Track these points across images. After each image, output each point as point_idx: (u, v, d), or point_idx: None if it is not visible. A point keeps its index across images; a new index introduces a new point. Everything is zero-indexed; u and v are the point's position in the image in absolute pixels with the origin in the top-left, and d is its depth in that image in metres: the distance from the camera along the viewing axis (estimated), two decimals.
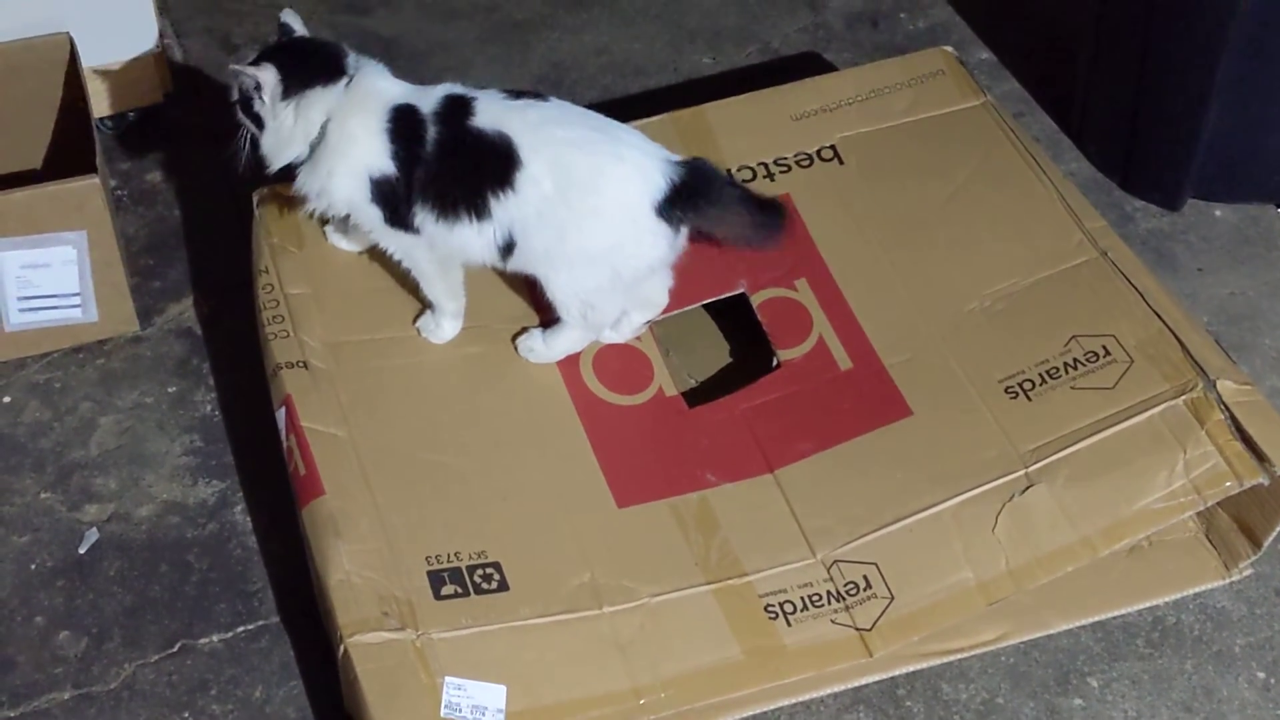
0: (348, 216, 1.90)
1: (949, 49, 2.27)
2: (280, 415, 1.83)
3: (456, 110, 1.82)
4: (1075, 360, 1.85)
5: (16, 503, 1.93)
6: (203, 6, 2.76)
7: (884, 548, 1.71)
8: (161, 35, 2.38)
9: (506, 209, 1.80)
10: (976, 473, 1.75)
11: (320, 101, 1.84)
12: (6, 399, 2.05)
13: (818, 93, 2.21)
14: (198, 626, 1.81)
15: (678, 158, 1.82)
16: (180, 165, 2.40)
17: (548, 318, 1.91)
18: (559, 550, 1.72)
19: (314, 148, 1.85)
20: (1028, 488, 1.73)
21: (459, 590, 1.67)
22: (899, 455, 1.79)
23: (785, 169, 2.10)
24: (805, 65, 2.60)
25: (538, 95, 1.86)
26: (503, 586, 1.68)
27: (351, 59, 1.88)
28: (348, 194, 1.86)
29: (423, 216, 1.84)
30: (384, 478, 1.76)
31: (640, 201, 1.78)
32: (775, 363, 1.91)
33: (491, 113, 1.81)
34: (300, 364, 1.85)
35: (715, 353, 2.04)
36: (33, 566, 1.86)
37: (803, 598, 1.68)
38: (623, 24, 2.74)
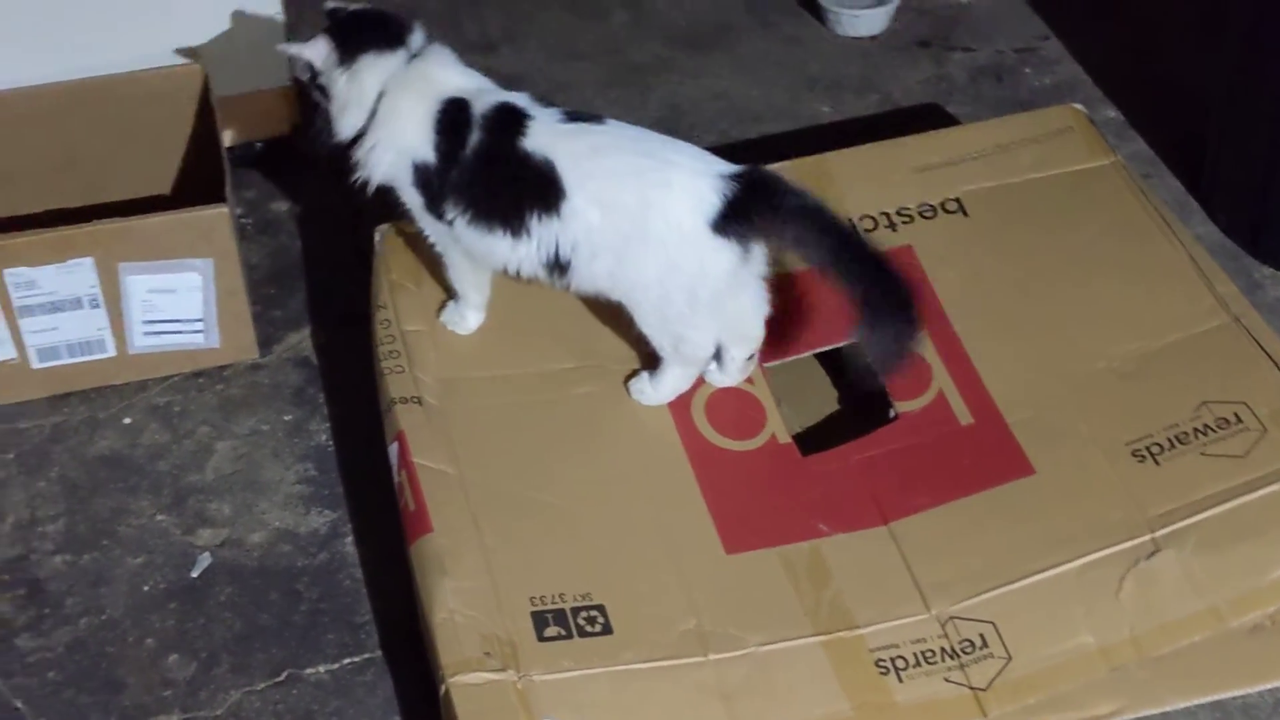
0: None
1: (1078, 106, 2.24)
2: (393, 450, 1.84)
3: (508, 123, 1.82)
4: (1205, 426, 1.81)
5: (133, 524, 1.95)
6: None
7: (1002, 606, 1.67)
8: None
9: (550, 230, 1.80)
10: (1101, 535, 1.71)
11: (373, 69, 1.85)
12: (127, 420, 2.08)
13: (942, 145, 2.19)
14: (305, 656, 1.81)
15: (735, 169, 1.79)
16: (304, 196, 2.43)
17: (644, 352, 1.90)
18: (665, 595, 1.70)
19: (369, 118, 1.87)
20: (1154, 553, 1.69)
21: (562, 632, 1.66)
22: (1020, 513, 1.76)
23: (908, 219, 2.08)
24: (926, 117, 2.58)
25: (595, 118, 1.86)
26: (606, 630, 1.66)
27: (417, 35, 1.89)
28: (389, 170, 1.88)
29: (454, 214, 1.85)
30: (492, 516, 1.76)
31: (694, 222, 1.76)
32: (892, 414, 1.89)
33: (542, 137, 1.81)
34: (414, 400, 1.86)
35: (826, 402, 2.02)
36: (146, 588, 1.88)
37: (916, 653, 1.65)
38: (742, 70, 2.74)
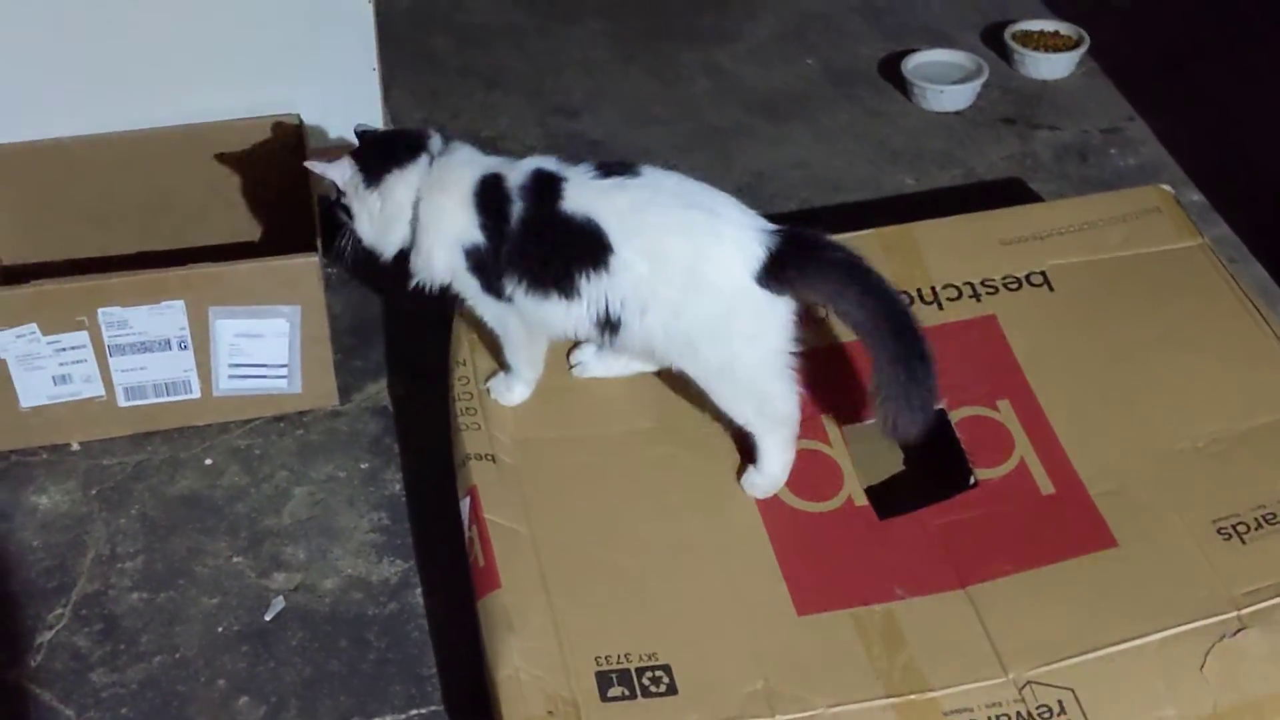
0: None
1: (1167, 187, 2.23)
2: (465, 505, 1.84)
3: (544, 189, 1.82)
4: None
5: (209, 564, 1.96)
6: (422, 99, 2.86)
7: (1082, 674, 1.64)
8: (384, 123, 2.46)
9: (599, 289, 1.80)
10: (1184, 610, 1.68)
11: (402, 183, 1.87)
12: (208, 461, 2.10)
13: (1028, 220, 2.19)
14: (371, 706, 1.80)
15: (774, 227, 1.80)
16: None
17: (733, 428, 1.89)
18: (733, 655, 1.68)
19: (414, 228, 1.88)
20: (1239, 630, 1.66)
21: (626, 692, 1.64)
22: (1102, 584, 1.73)
23: (993, 291, 2.08)
24: (1010, 193, 2.58)
25: (629, 170, 1.84)
26: (671, 690, 1.64)
27: (435, 140, 1.91)
28: (446, 264, 1.88)
29: (512, 287, 1.85)
30: (561, 575, 1.75)
31: (743, 275, 1.76)
32: (972, 481, 1.87)
33: (580, 196, 1.80)
34: (488, 457, 1.86)
35: (904, 468, 2.00)
36: (219, 629, 1.89)
37: (990, 717, 1.61)
38: (824, 139, 2.76)
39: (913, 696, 1.64)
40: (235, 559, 1.97)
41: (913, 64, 2.85)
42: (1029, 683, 1.64)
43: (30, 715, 1.78)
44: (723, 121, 2.81)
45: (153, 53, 2.29)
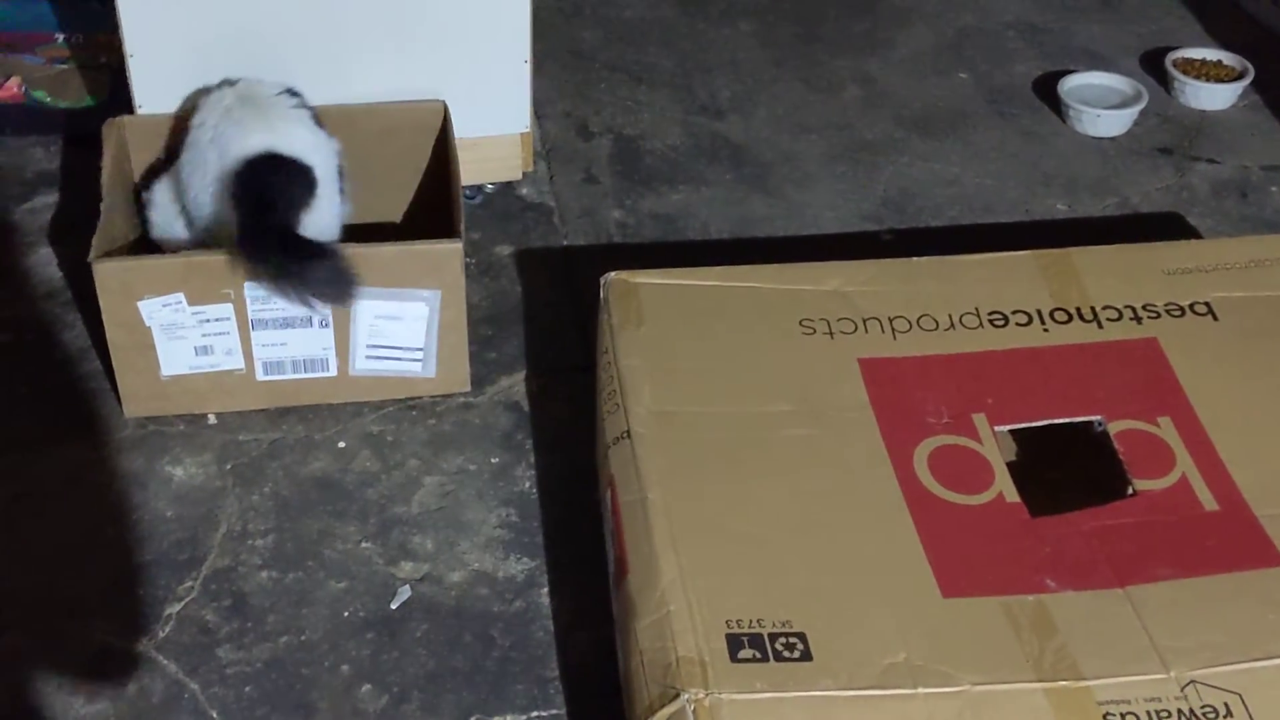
0: None
1: None
2: (606, 499, 1.81)
3: None
4: None
5: (339, 548, 1.94)
6: (566, 93, 2.83)
7: (1251, 681, 1.55)
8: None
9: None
10: None
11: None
12: (341, 444, 2.08)
13: (1191, 254, 2.11)
14: (493, 704, 1.77)
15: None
16: (526, 243, 2.44)
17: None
18: (872, 629, 1.61)
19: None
20: None
21: (757, 655, 1.57)
22: (1271, 599, 1.65)
23: (1154, 315, 2.00)
24: (1166, 226, 2.51)
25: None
26: (805, 657, 1.57)
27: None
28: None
29: None
30: (692, 541, 1.69)
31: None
32: (1130, 491, 1.80)
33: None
34: (624, 435, 1.81)
35: (1059, 473, 1.91)
36: (345, 614, 1.86)
37: (1150, 711, 1.52)
38: (975, 158, 2.69)
39: (1065, 683, 1.56)
40: (364, 544, 1.95)
41: (1069, 85, 2.78)
42: (1192, 682, 1.56)
43: (156, 685, 1.77)
44: (872, 133, 2.75)
45: (304, 33, 2.29)
